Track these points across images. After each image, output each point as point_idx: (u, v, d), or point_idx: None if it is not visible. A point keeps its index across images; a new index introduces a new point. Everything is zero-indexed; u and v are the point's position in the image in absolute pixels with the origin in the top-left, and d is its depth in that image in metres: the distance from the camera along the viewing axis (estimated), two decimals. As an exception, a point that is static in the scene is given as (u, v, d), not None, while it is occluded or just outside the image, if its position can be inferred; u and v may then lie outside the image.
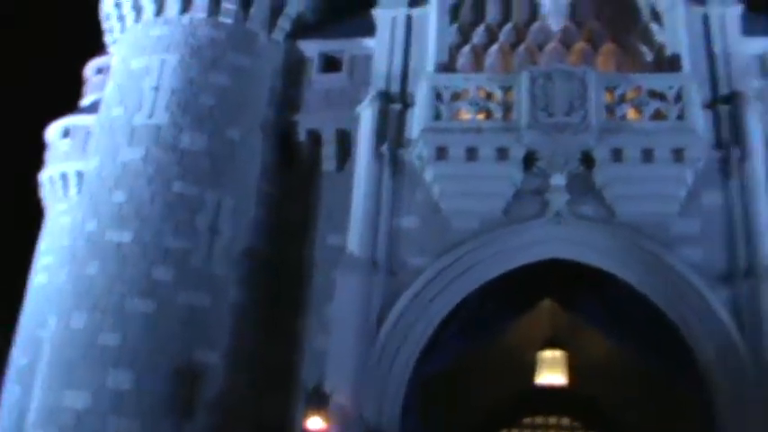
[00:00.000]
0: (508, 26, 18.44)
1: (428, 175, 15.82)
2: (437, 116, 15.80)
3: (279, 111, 17.90)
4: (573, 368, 19.31)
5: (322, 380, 14.64)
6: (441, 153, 15.62)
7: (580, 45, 17.92)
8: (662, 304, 15.25)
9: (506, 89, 15.88)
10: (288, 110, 17.91)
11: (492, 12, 18.67)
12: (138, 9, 18.33)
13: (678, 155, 15.29)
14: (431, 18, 17.40)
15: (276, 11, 18.40)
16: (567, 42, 18.02)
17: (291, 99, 18.08)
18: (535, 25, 18.28)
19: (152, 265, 15.85)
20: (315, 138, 17.63)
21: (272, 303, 16.59)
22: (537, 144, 15.47)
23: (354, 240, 15.64)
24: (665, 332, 15.36)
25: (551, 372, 19.24)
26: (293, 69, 18.34)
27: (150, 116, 17.03)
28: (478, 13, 18.64)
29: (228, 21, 17.92)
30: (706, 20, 17.05)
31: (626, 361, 18.07)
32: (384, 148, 16.14)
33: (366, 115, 16.57)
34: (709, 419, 14.78)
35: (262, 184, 17.35)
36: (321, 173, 17.53)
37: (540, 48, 18.05)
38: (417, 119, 16.05)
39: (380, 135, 16.31)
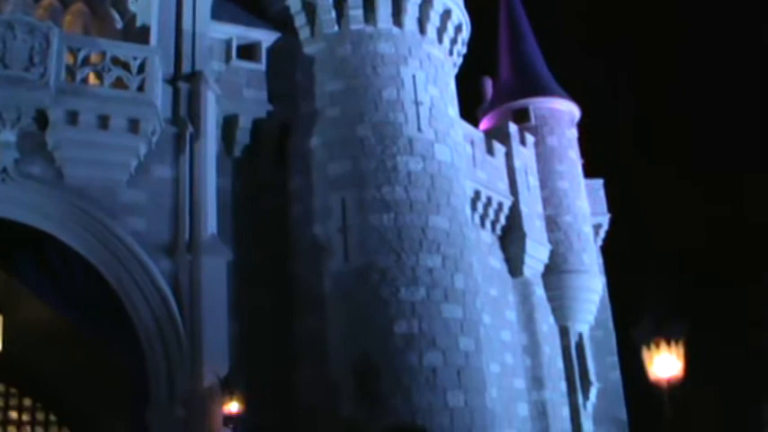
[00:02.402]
0: (-25, -35, 18.47)
1: None
2: None
3: None
4: (9, 332, 20.13)
5: None
6: None
7: (50, 0, 18.75)
8: (105, 272, 16.65)
9: (-40, 32, 15.87)
10: None
11: (-37, -54, 18.43)
12: None
13: (134, 125, 16.77)
14: None
15: None
16: (37, -6, 18.56)
17: None
18: (6, -30, 18.54)
19: None
20: None
21: None
22: (-12, 96, 15.76)
23: None
24: (107, 300, 16.75)
25: (-15, 336, 19.74)
26: None
27: None
28: (-56, -57, 18.30)
29: None
30: (180, -2, 18.77)
31: (64, 325, 19.04)
32: None
33: None
34: (144, 384, 16.61)
35: None
36: None
37: (9, -5, 18.34)
38: None
39: None
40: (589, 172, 28.98)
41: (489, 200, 23.33)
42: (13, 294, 19.42)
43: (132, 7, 18.89)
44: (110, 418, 22.15)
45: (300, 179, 18.93)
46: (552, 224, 25.77)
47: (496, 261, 23.43)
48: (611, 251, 30.39)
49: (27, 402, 26.33)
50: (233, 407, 15.57)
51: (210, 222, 17.31)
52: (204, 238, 17.13)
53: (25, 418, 26.48)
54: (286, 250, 18.53)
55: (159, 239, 17.09)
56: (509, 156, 25.10)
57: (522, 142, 26.02)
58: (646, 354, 11.69)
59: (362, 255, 17.78)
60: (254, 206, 18.61)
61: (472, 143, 23.16)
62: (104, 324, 17.41)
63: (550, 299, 25.13)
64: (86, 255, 16.75)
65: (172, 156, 17.66)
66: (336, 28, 19.76)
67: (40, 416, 26.67)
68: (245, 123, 19.00)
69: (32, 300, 18.77)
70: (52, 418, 26.57)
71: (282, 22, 20.15)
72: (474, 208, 22.25)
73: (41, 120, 16.50)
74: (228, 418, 15.60)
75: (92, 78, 17.12)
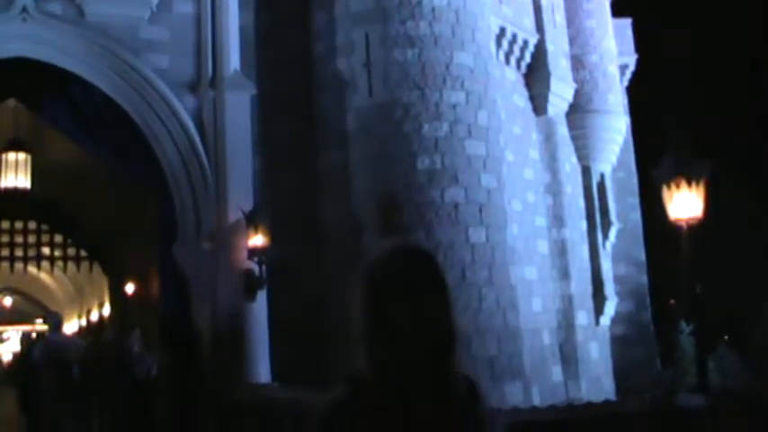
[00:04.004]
0: None
1: None
2: None
3: None
4: (38, 171, 20.41)
5: None
6: None
7: None
8: (130, 110, 16.74)
9: None
10: None
11: None
12: None
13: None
14: None
15: None
16: None
17: None
18: None
19: None
20: None
21: None
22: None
23: None
24: (133, 138, 16.91)
25: (16, 174, 20.02)
26: None
27: None
28: None
29: None
30: None
31: (91, 164, 19.38)
32: None
33: None
34: (172, 220, 16.98)
35: None
36: None
37: None
38: None
39: None
40: (617, 11, 28.34)
41: (515, 37, 22.84)
42: (40, 134, 19.57)
43: None
44: (138, 255, 22.61)
45: (323, 14, 18.46)
46: (578, 63, 25.35)
47: (520, 99, 23.17)
48: (638, 92, 30.01)
49: (58, 239, 26.98)
50: (258, 240, 15.84)
51: (233, 58, 17.22)
52: (227, 73, 17.09)
53: (57, 253, 27.22)
54: (309, 86, 18.33)
55: (183, 76, 17.07)
56: (535, -9, 24.46)
57: (549, -22, 25.32)
58: (666, 193, 11.55)
59: (386, 90, 17.50)
60: (277, 41, 18.29)
61: (497, -22, 22.56)
62: (132, 163, 17.61)
63: (574, 138, 24.95)
64: (111, 93, 16.77)
65: (192, -9, 17.35)
66: None
67: (71, 251, 27.39)
68: (267, -45, 18.51)
69: (60, 139, 18.93)
70: (83, 253, 27.25)
71: None
72: (499, 45, 21.85)
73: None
74: (254, 251, 15.88)
75: None
